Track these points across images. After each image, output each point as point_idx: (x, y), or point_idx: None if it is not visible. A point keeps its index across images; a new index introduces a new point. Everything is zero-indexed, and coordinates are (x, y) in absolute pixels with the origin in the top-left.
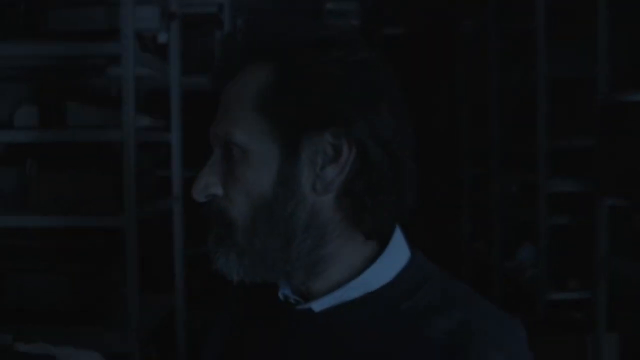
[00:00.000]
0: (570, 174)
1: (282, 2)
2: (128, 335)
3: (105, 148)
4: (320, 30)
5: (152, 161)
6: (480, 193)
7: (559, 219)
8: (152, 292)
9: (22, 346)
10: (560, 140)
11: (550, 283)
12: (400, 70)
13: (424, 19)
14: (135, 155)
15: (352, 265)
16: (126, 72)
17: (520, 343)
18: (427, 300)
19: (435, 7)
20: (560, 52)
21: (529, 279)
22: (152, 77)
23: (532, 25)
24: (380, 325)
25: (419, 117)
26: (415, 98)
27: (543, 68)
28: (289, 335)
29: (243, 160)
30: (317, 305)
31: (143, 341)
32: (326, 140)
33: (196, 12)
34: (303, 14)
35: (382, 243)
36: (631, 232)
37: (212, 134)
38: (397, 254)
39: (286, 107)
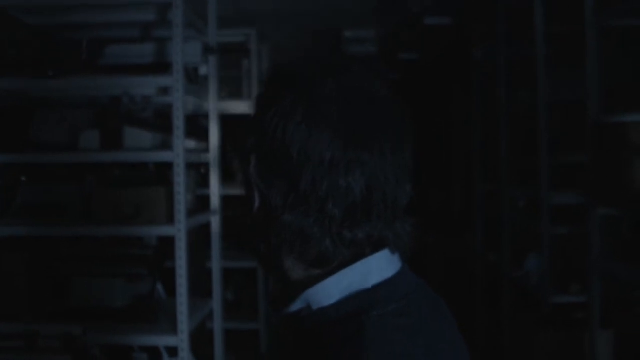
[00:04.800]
0: (571, 188)
1: (304, 31)
2: (179, 332)
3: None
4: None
5: (193, 179)
6: (491, 207)
7: (562, 229)
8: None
9: None
10: (561, 156)
11: (554, 287)
12: (416, 93)
13: (439, 46)
14: (185, 174)
15: (302, 284)
16: (177, 101)
17: None
18: (336, 334)
19: (448, 35)
20: (560, 76)
21: (535, 286)
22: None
23: (534, 52)
24: (298, 346)
25: (436, 137)
26: (431, 120)
27: (543, 91)
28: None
29: None
30: (284, 311)
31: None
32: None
33: (224, 41)
34: (324, 41)
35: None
36: (622, 239)
37: None
38: (341, 282)
39: None
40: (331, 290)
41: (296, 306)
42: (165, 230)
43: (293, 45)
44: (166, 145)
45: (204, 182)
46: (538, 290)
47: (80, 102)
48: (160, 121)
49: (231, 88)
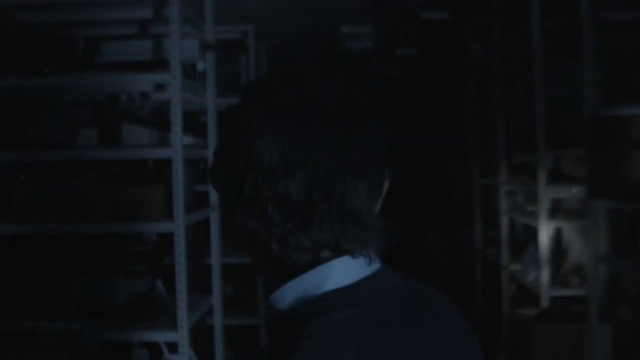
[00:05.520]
0: (569, 182)
1: (302, 28)
2: (179, 328)
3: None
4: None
5: (191, 175)
6: (490, 202)
7: (560, 222)
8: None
9: None
10: (560, 150)
11: (554, 281)
12: (414, 88)
13: (436, 41)
14: (183, 170)
15: (273, 286)
16: (174, 97)
17: None
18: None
19: (445, 30)
20: (557, 71)
21: (533, 279)
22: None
23: (531, 47)
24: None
25: (433, 133)
26: (428, 114)
27: (540, 87)
28: None
29: None
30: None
31: (191, 334)
32: None
33: (222, 38)
34: (321, 37)
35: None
36: (620, 232)
37: None
38: (296, 288)
39: None
40: (287, 295)
41: (268, 305)
42: (164, 227)
43: (290, 41)
44: (164, 142)
45: (203, 178)
46: (537, 283)
47: (77, 99)
48: (158, 118)
49: (229, 84)
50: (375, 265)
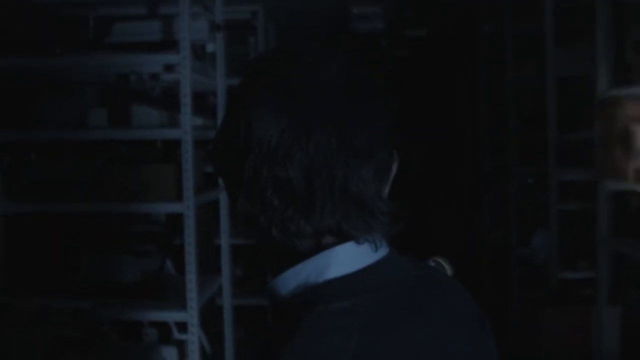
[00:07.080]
0: (580, 164)
1: (311, 8)
2: (188, 307)
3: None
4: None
5: (201, 156)
6: (499, 184)
7: (569, 205)
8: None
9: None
10: (569, 132)
11: (562, 263)
12: (423, 70)
13: (446, 22)
14: (193, 151)
15: (275, 271)
16: (184, 78)
17: None
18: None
19: (456, 10)
20: (568, 52)
21: (542, 262)
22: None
23: (543, 27)
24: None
25: (443, 114)
26: (438, 96)
27: (552, 68)
28: None
29: None
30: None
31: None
32: None
33: (231, 18)
34: (330, 18)
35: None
36: (630, 214)
37: None
38: (298, 275)
39: None
40: (288, 281)
41: (269, 290)
42: (173, 207)
43: (300, 22)
44: (174, 123)
45: None
46: (545, 266)
47: (87, 80)
48: (168, 99)
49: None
50: (382, 252)
